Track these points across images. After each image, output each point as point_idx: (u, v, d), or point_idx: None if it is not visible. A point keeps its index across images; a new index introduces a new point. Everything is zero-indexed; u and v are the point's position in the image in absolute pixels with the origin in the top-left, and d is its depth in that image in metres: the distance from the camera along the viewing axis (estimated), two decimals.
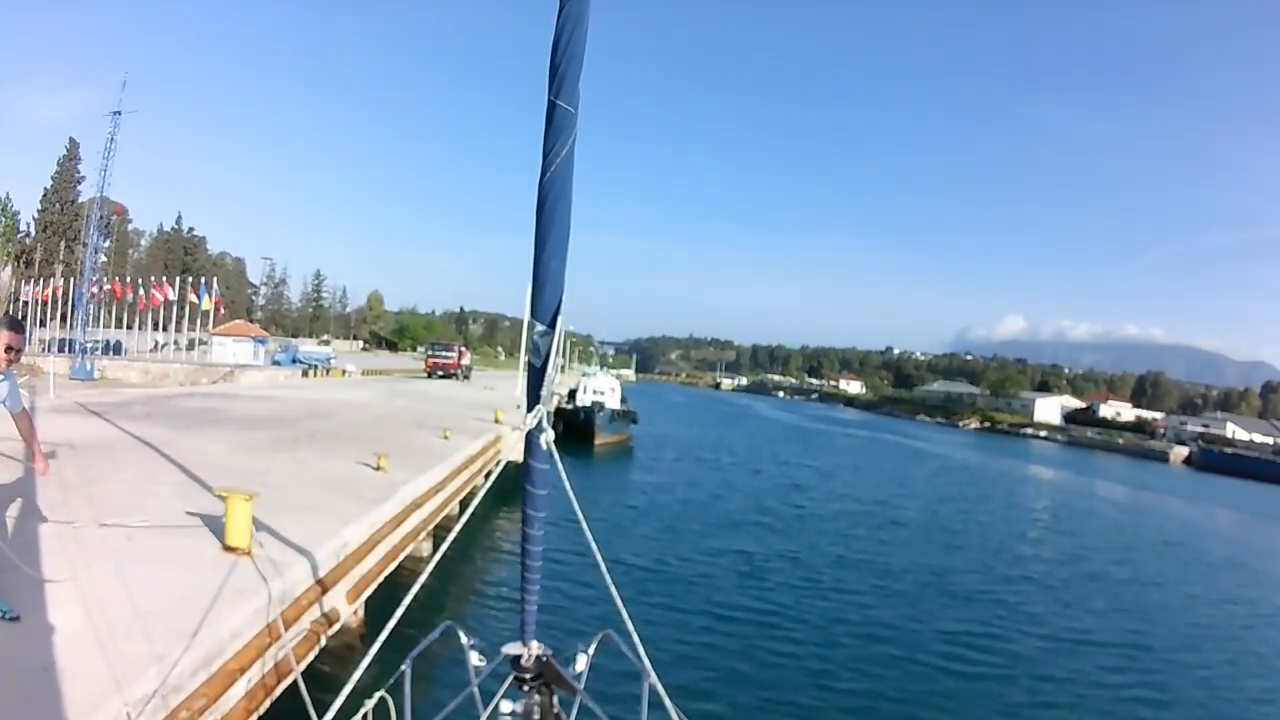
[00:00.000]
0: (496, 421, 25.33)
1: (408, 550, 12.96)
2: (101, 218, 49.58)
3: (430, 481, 14.17)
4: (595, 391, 50.22)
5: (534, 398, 2.68)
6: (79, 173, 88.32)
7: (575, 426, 43.76)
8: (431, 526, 15.00)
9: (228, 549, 7.47)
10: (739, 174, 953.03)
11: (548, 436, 2.75)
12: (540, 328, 2.49)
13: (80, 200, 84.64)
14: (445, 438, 19.42)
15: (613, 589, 3.16)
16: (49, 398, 21.32)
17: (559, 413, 45.80)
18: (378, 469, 13.49)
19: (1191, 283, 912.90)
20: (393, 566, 10.91)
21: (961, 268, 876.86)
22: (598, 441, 42.24)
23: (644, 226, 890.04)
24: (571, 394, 53.56)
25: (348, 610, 8.69)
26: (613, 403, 48.54)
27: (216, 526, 7.86)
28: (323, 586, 7.92)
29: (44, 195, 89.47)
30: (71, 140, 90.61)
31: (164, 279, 65.34)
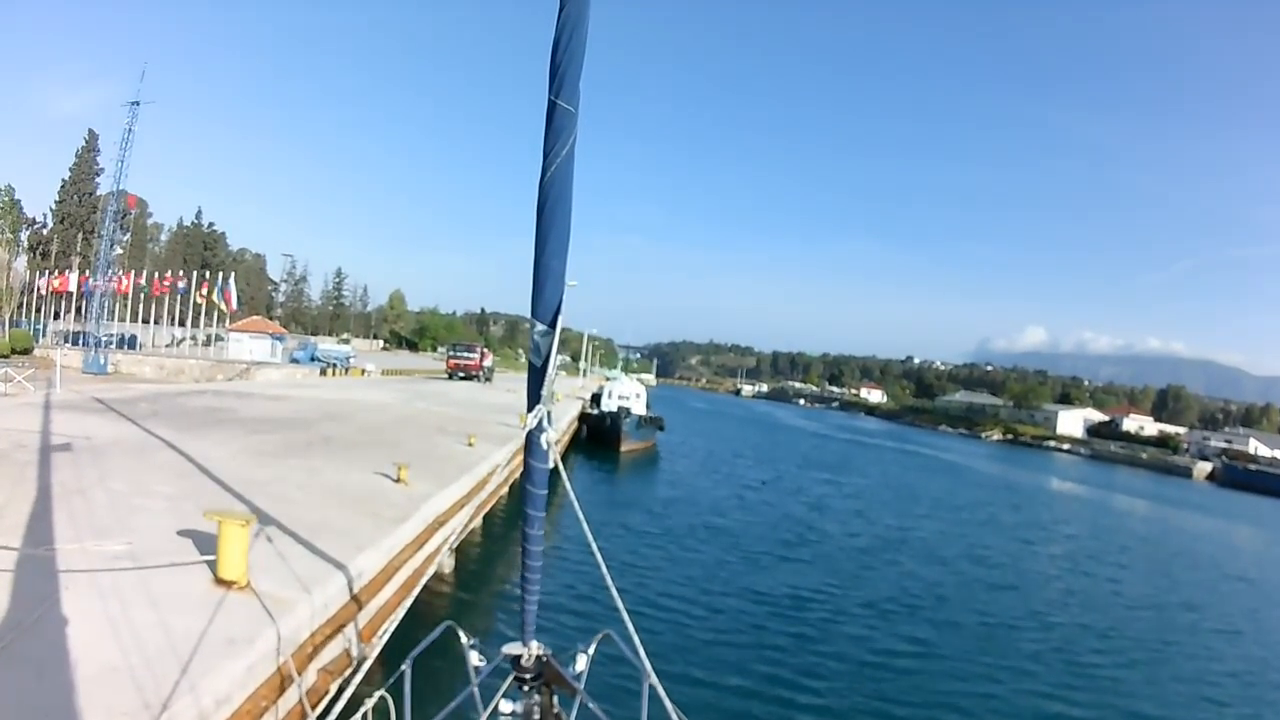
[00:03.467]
0: (523, 427, 24.20)
1: (430, 573, 11.91)
2: (117, 210, 49.20)
3: (455, 495, 13.04)
4: (620, 397, 49.11)
5: (534, 398, 2.73)
6: (97, 164, 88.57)
7: (600, 433, 42.83)
8: (456, 544, 14.00)
9: (220, 582, 6.39)
10: (759, 179, 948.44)
11: (548, 436, 2.81)
12: (540, 327, 2.57)
13: (99, 192, 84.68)
14: (470, 444, 18.38)
15: (613, 589, 3.18)
16: (55, 391, 20.57)
17: (583, 418, 44.88)
18: (397, 480, 12.41)
19: (1213, 296, 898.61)
20: (413, 595, 9.83)
21: (983, 277, 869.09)
22: (623, 449, 41.03)
23: (666, 230, 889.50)
24: (595, 399, 52.56)
25: (360, 651, 7.58)
26: (638, 409, 47.37)
27: (211, 550, 6.76)
28: (332, 628, 6.83)
29: (62, 186, 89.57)
30: (90, 132, 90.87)
31: (179, 272, 64.83)
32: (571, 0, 2.26)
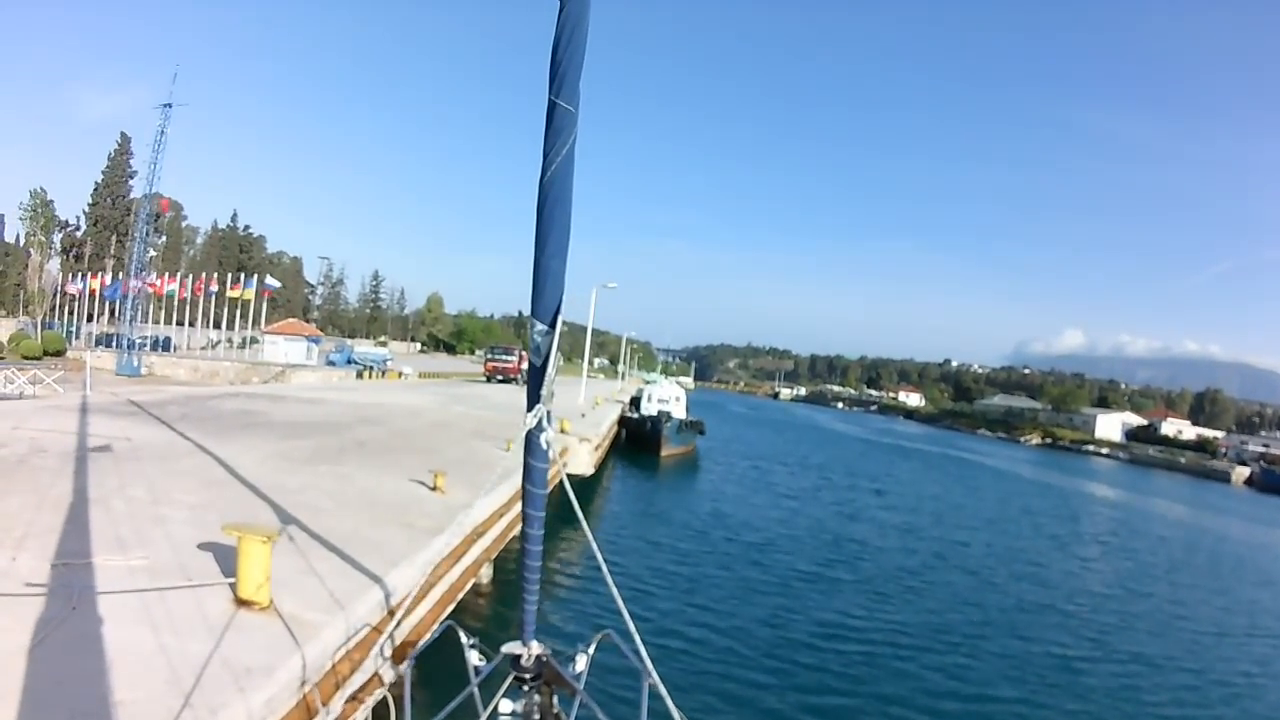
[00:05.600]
0: (562, 431, 23.95)
1: (468, 587, 11.50)
2: (150, 212, 49.95)
3: (494, 504, 12.61)
4: (660, 400, 49.08)
5: (534, 397, 2.87)
6: (130, 167, 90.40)
7: (641, 436, 43.04)
8: (494, 556, 13.59)
9: (240, 603, 6.00)
10: (795, 183, 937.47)
11: (548, 436, 2.93)
12: (540, 327, 2.65)
13: (132, 195, 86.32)
14: (508, 449, 18.00)
15: (613, 589, 3.26)
16: (85, 394, 20.61)
17: (623, 421, 44.74)
18: (434, 488, 12.08)
19: (1249, 298, 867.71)
20: (450, 609, 9.43)
21: (1021, 280, 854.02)
22: (664, 453, 41.24)
23: (703, 234, 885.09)
24: (634, 402, 52.57)
25: (392, 675, 7.16)
26: (678, 412, 47.37)
27: (233, 566, 6.36)
28: (362, 652, 6.39)
29: (95, 189, 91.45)
30: (123, 135, 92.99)
31: (213, 275, 65.69)
32: (571, 0, 2.30)
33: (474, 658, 4.07)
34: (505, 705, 3.83)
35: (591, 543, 3.41)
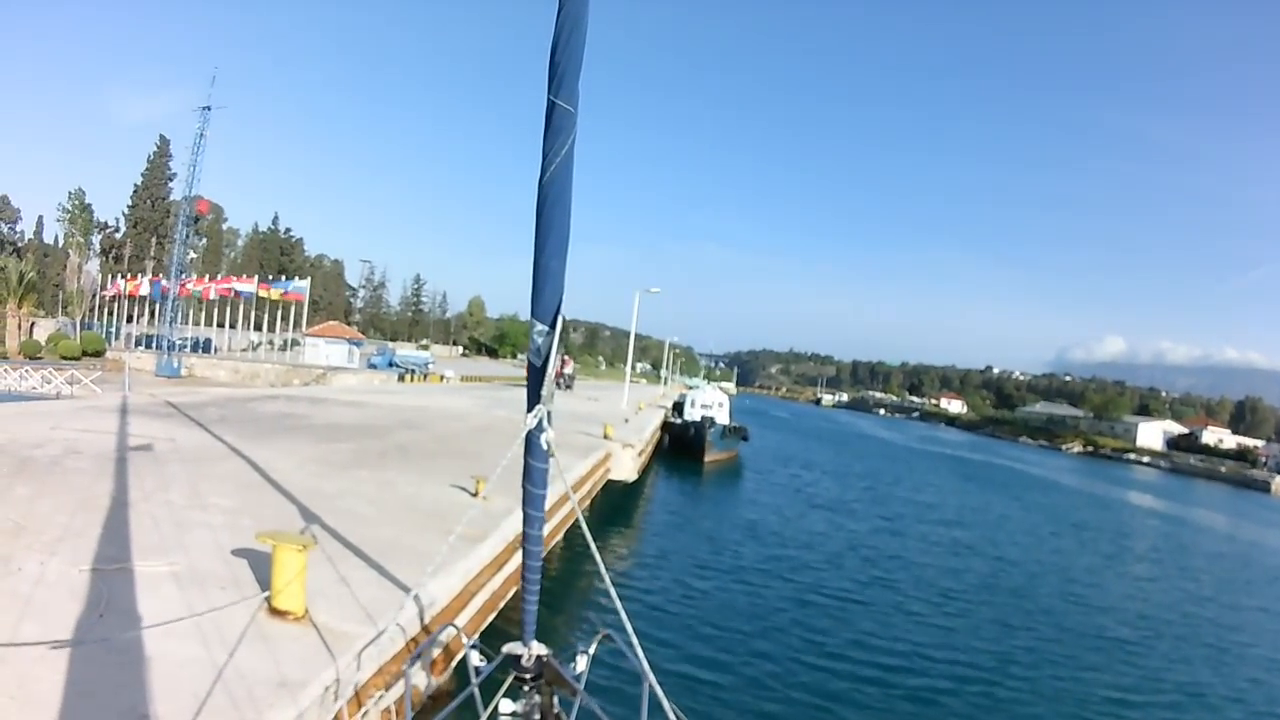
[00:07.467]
0: (606, 437, 23.77)
1: (509, 595, 11.40)
2: (189, 214, 50.96)
3: None
4: (703, 406, 49.30)
5: (534, 398, 2.95)
6: (170, 169, 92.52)
7: (685, 442, 43.18)
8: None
9: (275, 613, 5.89)
10: (835, 187, 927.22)
11: (548, 436, 3.03)
12: (540, 327, 2.74)
13: (172, 197, 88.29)
14: (550, 455, 17.86)
15: (613, 590, 3.44)
16: (123, 394, 20.94)
17: (665, 427, 44.90)
18: (475, 494, 11.96)
19: None
20: (490, 619, 9.29)
21: (1063, 286, 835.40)
22: (707, 459, 41.47)
23: (744, 237, 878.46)
24: (677, 407, 52.81)
25: (429, 687, 7.02)
26: (722, 418, 47.33)
27: (267, 573, 6.25)
28: (399, 663, 6.24)
29: (134, 191, 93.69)
30: (162, 137, 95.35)
31: (255, 276, 66.78)
32: (571, 0, 2.33)
33: (474, 658, 4.13)
34: (505, 705, 3.90)
35: (591, 545, 3.47)
